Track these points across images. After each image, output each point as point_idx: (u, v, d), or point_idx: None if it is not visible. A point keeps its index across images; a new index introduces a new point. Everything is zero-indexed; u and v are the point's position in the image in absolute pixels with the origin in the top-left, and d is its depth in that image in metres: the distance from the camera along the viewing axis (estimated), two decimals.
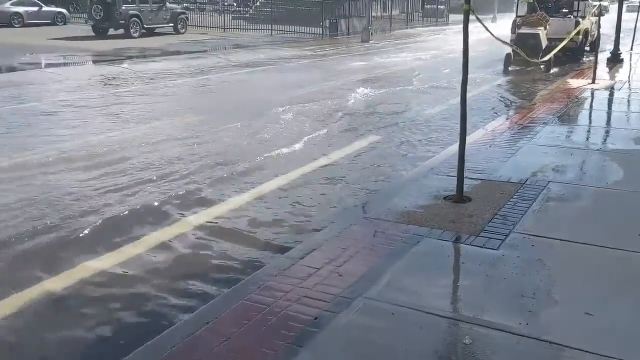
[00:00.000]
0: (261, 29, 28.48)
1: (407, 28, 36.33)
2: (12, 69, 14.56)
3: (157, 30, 25.62)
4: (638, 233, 4.38)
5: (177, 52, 19.06)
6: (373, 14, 29.23)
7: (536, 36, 15.07)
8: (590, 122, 9.10)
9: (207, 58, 17.93)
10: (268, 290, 3.52)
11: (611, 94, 11.24)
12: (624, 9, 16.76)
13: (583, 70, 14.48)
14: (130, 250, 4.57)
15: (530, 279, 3.67)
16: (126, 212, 5.31)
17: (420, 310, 3.29)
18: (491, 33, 6.15)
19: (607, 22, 19.55)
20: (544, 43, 15.13)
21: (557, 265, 3.90)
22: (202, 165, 6.78)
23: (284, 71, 15.99)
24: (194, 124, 8.90)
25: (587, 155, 6.77)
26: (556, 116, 8.85)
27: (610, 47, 16.28)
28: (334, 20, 28.95)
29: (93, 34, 23.93)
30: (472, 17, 5.04)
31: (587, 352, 2.93)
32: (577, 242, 4.26)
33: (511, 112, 10.10)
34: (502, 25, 21.35)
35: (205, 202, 5.64)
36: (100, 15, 23.63)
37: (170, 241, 4.75)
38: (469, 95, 5.32)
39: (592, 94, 11.16)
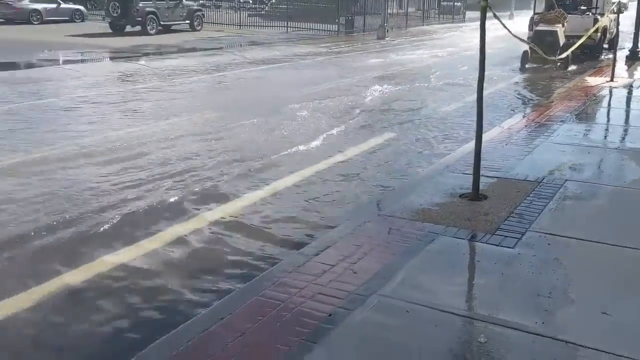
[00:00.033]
0: (277, 26, 28.50)
1: (423, 25, 36.12)
2: (30, 66, 14.72)
3: (173, 27, 25.74)
4: None
5: (193, 49, 19.13)
6: (389, 11, 29.11)
7: (554, 33, 14.92)
8: (608, 121, 9.00)
9: (223, 55, 17.99)
10: (282, 287, 3.53)
11: (630, 92, 11.12)
12: None
13: (601, 68, 14.31)
14: (147, 245, 4.61)
15: (546, 278, 3.65)
16: (144, 207, 5.37)
17: (435, 308, 3.29)
18: (508, 30, 6.11)
19: (627, 20, 19.33)
20: (562, 40, 14.98)
21: (573, 264, 3.88)
22: (219, 161, 6.82)
23: (300, 68, 15.99)
24: (211, 121, 8.95)
25: (604, 153, 6.70)
26: (574, 114, 8.77)
27: (630, 44, 16.08)
28: (350, 17, 28.89)
29: (110, 31, 24.10)
30: (489, 14, 5.02)
31: (603, 351, 2.91)
32: (594, 242, 4.22)
33: (528, 110, 10.02)
34: (520, 23, 21.19)
35: (222, 198, 5.68)
36: (117, 13, 23.80)
37: (186, 236, 4.79)
38: (485, 92, 5.29)
39: (611, 92, 11.05)
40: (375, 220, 4.67)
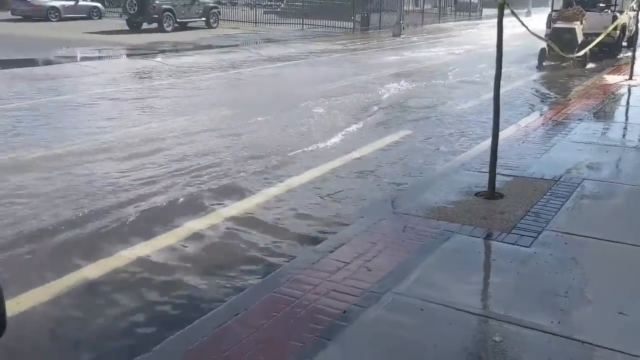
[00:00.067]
0: (292, 24, 28.51)
1: (439, 22, 35.94)
2: (48, 63, 14.87)
3: (189, 25, 25.86)
4: None
5: (209, 46, 19.21)
6: (405, 8, 28.97)
7: (572, 31, 14.76)
8: (626, 119, 8.91)
9: (239, 52, 18.05)
10: (297, 283, 3.55)
11: None
12: None
13: (620, 66, 14.15)
14: (164, 240, 4.65)
15: (562, 277, 3.63)
16: (161, 203, 5.42)
17: (449, 307, 3.28)
18: (526, 27, 6.06)
19: None
20: (580, 38, 14.81)
21: (590, 263, 3.85)
22: (236, 158, 6.86)
23: (315, 65, 16.00)
24: (227, 117, 8.99)
25: (622, 152, 6.63)
26: (591, 112, 8.69)
27: None
28: (365, 15, 28.82)
29: (127, 28, 24.27)
30: (506, 11, 4.98)
31: (619, 352, 2.89)
32: (611, 241, 4.19)
33: (545, 108, 9.94)
34: (537, 20, 20.99)
35: (238, 194, 5.71)
36: (134, 10, 23.96)
37: (202, 232, 4.83)
38: (502, 90, 5.26)
39: (629, 90, 10.92)
40: (390, 217, 4.67)
